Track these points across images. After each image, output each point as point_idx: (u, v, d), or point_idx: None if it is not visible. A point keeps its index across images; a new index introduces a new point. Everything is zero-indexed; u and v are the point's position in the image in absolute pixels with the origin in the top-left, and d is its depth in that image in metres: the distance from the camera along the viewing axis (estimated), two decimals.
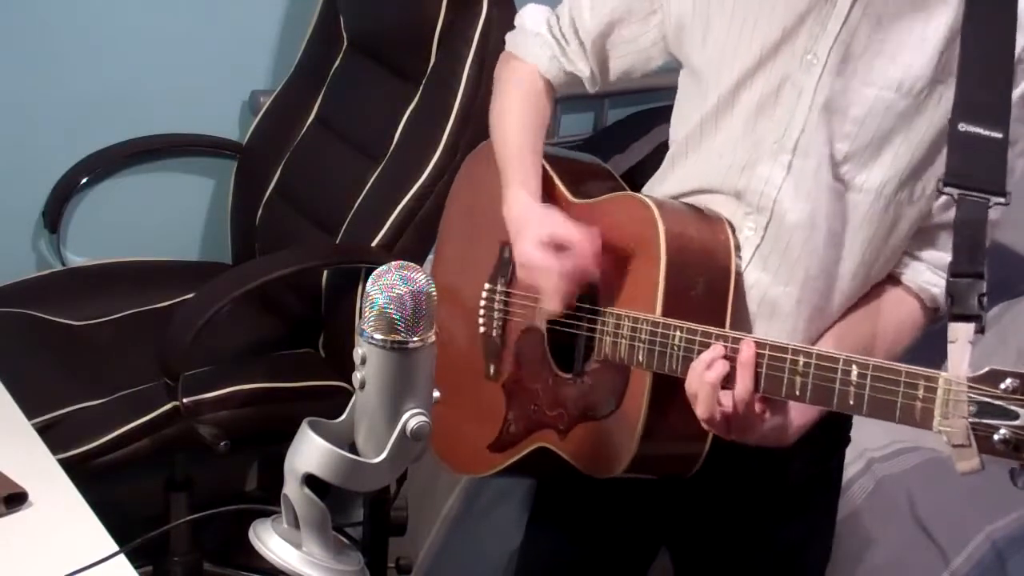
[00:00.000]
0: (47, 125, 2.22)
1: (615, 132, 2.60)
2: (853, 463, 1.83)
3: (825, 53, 1.16)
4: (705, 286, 1.21)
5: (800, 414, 1.18)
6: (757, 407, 1.11)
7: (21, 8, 2.13)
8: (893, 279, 1.28)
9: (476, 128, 1.94)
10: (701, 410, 1.13)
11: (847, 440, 1.43)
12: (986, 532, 1.71)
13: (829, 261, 1.22)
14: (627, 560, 1.49)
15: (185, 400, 1.77)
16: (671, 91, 1.37)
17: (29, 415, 1.40)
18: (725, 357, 1.11)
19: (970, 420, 0.92)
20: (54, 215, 2.23)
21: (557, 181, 1.40)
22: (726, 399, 1.11)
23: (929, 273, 1.25)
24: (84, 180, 2.25)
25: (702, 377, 1.12)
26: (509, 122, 1.41)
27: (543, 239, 1.26)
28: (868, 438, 1.81)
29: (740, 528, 1.39)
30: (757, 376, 1.09)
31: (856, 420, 1.42)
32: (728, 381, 1.11)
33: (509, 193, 1.36)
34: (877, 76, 1.16)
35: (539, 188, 1.36)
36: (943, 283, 1.22)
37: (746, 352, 1.09)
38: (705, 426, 1.15)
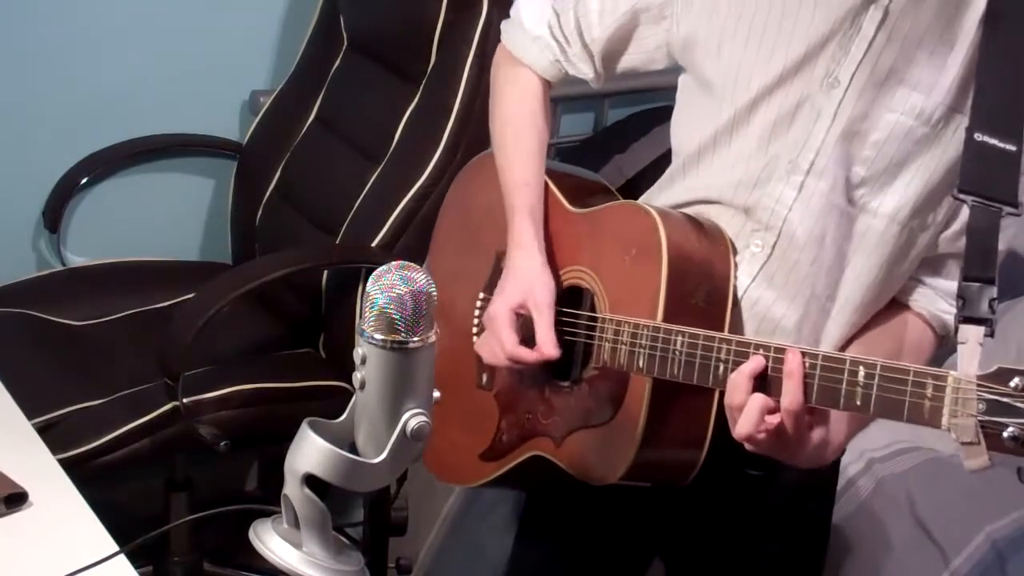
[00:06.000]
0: (47, 125, 2.22)
1: (615, 132, 2.59)
2: (853, 463, 1.83)
3: (848, 77, 1.16)
4: (705, 296, 1.21)
5: (836, 432, 1.14)
6: (807, 419, 1.07)
7: (21, 8, 2.13)
8: (904, 305, 1.28)
9: (476, 128, 1.93)
10: (743, 426, 1.08)
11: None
12: (986, 532, 1.71)
13: (834, 282, 1.22)
14: (616, 571, 1.48)
15: (185, 400, 1.77)
16: (671, 91, 1.37)
17: (29, 415, 1.40)
18: (766, 368, 1.07)
19: (979, 418, 0.92)
20: (54, 215, 2.22)
21: (556, 192, 1.40)
22: (772, 416, 1.07)
23: (941, 301, 1.26)
24: (84, 180, 2.25)
25: (748, 392, 1.07)
26: (512, 143, 1.41)
27: (515, 306, 1.29)
28: (868, 438, 1.81)
29: (729, 537, 1.38)
30: (807, 387, 1.05)
31: None
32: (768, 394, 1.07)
33: (515, 220, 1.36)
34: (898, 102, 1.16)
35: (541, 213, 1.37)
36: (954, 311, 1.22)
37: (793, 361, 1.05)
38: (747, 446, 1.10)
